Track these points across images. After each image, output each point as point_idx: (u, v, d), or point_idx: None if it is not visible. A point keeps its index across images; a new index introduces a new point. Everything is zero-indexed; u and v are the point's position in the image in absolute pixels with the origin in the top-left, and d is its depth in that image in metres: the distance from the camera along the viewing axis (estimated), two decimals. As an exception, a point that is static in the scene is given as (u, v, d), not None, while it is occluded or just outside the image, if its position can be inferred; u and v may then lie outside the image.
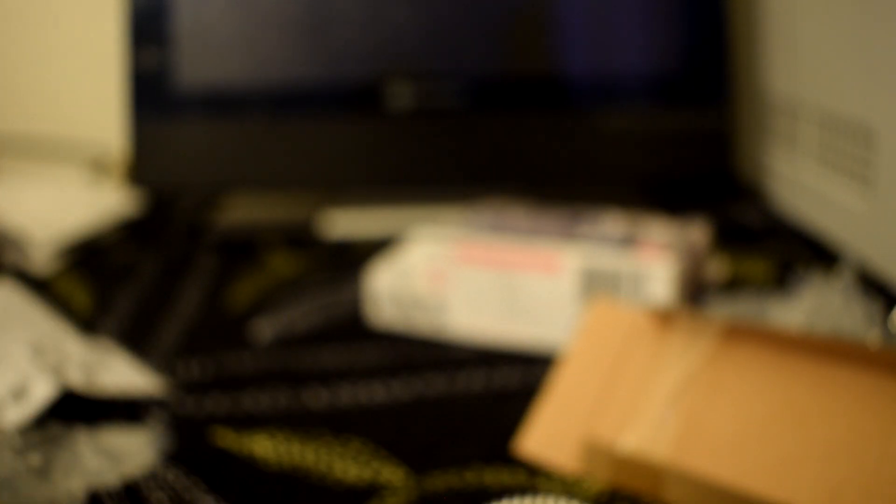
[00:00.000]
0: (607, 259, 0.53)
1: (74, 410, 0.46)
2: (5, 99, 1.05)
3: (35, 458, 0.41)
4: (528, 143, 0.83)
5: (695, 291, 0.57)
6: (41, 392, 0.45)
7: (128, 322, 0.62)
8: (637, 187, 0.86)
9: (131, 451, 0.43)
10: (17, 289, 0.60)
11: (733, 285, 0.63)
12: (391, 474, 0.42)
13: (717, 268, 0.63)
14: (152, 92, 0.82)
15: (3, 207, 0.84)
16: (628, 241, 0.55)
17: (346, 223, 0.81)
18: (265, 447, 0.44)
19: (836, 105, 0.67)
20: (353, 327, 0.60)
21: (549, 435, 0.43)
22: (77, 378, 0.47)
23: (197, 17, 0.82)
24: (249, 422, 0.47)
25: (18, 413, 0.44)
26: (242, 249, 0.78)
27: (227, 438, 0.45)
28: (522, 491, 0.40)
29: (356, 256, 0.74)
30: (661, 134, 0.82)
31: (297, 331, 0.59)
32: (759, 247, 0.72)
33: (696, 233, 0.58)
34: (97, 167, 1.00)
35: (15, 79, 1.05)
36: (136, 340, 0.58)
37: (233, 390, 0.51)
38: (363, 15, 0.82)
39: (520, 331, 0.56)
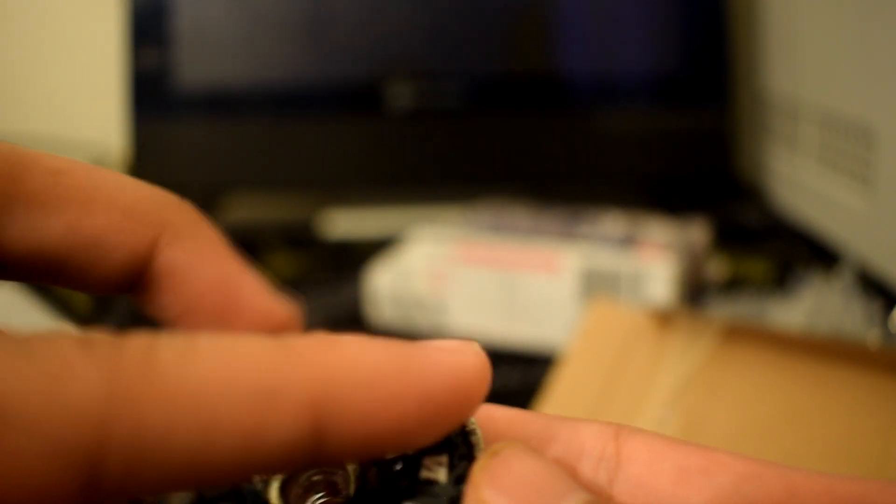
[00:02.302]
0: (607, 259, 0.53)
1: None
2: (5, 99, 1.05)
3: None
4: (528, 143, 0.83)
5: (695, 291, 0.57)
6: (41, 392, 0.45)
7: (128, 322, 0.62)
8: (637, 187, 0.86)
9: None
10: (17, 289, 0.60)
11: (733, 285, 0.63)
12: (391, 474, 0.42)
13: (717, 268, 0.63)
14: (152, 92, 0.82)
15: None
16: (628, 241, 0.55)
17: (346, 223, 0.81)
18: (265, 447, 0.44)
19: (836, 105, 0.67)
20: (353, 327, 0.59)
21: (549, 435, 0.43)
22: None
23: (197, 17, 0.82)
24: (249, 422, 0.47)
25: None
26: (242, 249, 0.78)
27: (227, 438, 0.45)
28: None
29: (356, 256, 0.74)
30: (662, 134, 0.82)
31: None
32: (759, 247, 0.72)
33: (696, 233, 0.58)
34: (97, 167, 1.00)
35: (15, 79, 1.05)
36: (136, 340, 0.58)
37: (233, 390, 0.51)
38: (363, 15, 0.82)
39: (520, 331, 0.56)
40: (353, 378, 0.15)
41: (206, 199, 0.91)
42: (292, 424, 0.14)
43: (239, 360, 0.14)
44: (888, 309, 0.52)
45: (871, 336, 0.50)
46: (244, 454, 0.14)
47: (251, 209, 0.87)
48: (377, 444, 0.15)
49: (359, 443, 0.15)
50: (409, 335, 0.58)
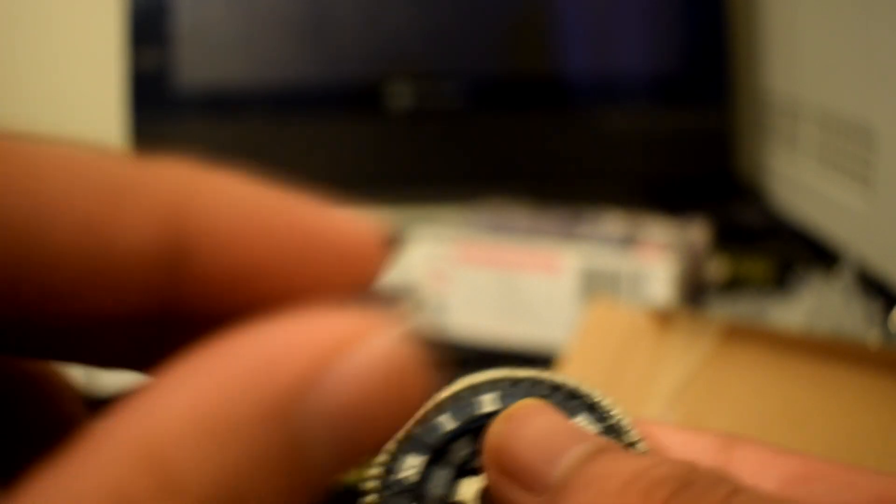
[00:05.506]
0: (607, 259, 0.53)
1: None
2: (5, 99, 1.05)
3: (35, 458, 0.41)
4: (528, 143, 0.83)
5: (695, 291, 0.57)
6: (41, 392, 0.45)
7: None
8: (637, 187, 0.86)
9: (131, 451, 0.43)
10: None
11: (733, 285, 0.63)
12: (391, 474, 0.42)
13: (717, 268, 0.63)
14: (152, 92, 0.82)
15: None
16: (628, 241, 0.55)
17: (346, 223, 0.81)
18: (265, 447, 0.44)
19: (836, 105, 0.67)
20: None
21: (549, 435, 0.43)
22: (77, 378, 0.47)
23: (197, 17, 0.82)
24: (249, 422, 0.47)
25: (18, 413, 0.44)
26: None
27: (227, 438, 0.45)
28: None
29: (356, 256, 0.73)
30: (661, 134, 0.82)
31: (297, 331, 0.59)
32: (759, 247, 0.72)
33: (696, 233, 0.58)
34: (97, 167, 0.99)
35: (15, 78, 1.05)
36: (136, 340, 0.58)
37: (233, 390, 0.51)
38: (363, 15, 0.82)
39: (520, 331, 0.56)
40: (223, 197, 0.13)
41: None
42: (144, 226, 0.12)
43: (82, 162, 0.13)
44: (888, 309, 0.52)
45: (871, 336, 0.50)
46: (87, 251, 0.12)
47: (251, 209, 0.87)
48: (247, 277, 0.13)
49: (226, 270, 0.13)
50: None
